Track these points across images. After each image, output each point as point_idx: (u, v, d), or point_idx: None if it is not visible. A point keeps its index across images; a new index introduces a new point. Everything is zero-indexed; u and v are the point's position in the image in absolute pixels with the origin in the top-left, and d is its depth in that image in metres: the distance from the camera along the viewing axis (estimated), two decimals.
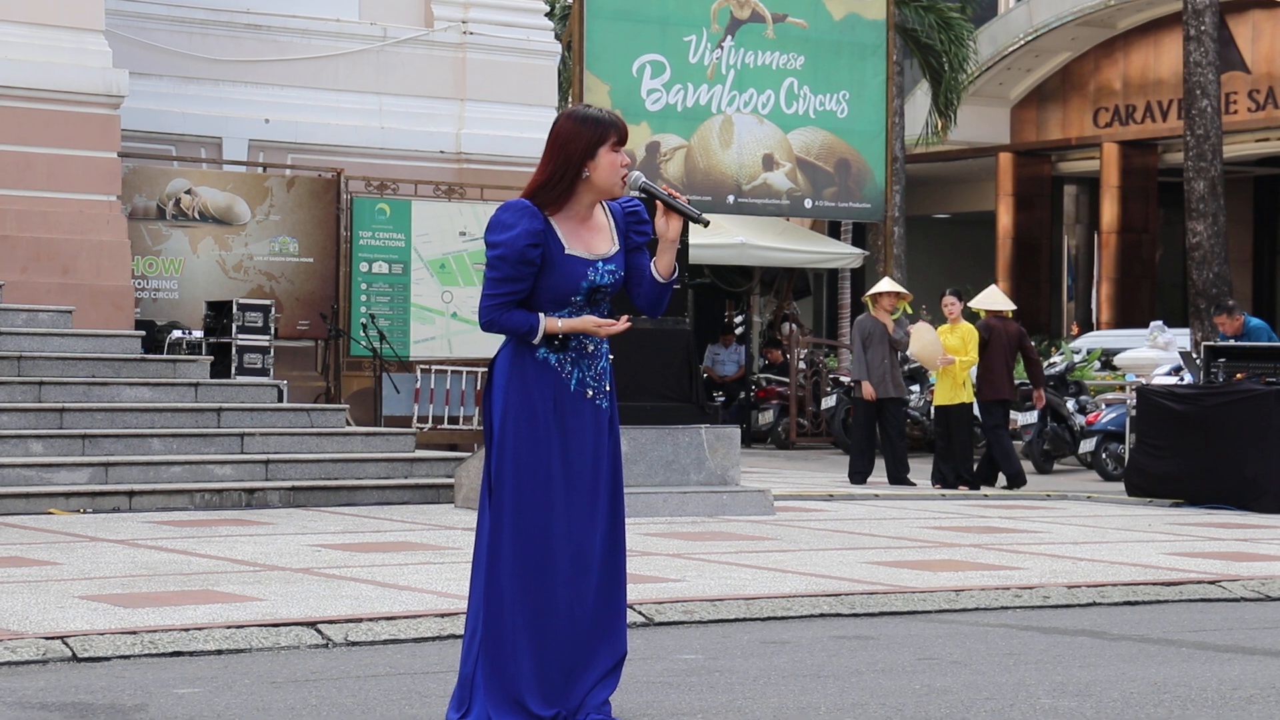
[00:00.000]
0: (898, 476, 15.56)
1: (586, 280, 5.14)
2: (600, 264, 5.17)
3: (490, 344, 5.06)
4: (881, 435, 15.76)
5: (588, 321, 5.13)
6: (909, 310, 17.75)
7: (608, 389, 5.25)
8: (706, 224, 5.25)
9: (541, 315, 5.12)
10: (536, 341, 5.13)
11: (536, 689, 5.08)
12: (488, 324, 5.16)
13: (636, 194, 5.23)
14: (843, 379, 23.04)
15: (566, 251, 5.13)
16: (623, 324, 5.15)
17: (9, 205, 15.41)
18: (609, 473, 5.22)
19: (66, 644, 6.46)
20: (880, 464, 15.97)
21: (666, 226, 5.18)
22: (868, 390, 15.51)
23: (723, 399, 24.40)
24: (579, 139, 5.10)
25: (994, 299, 16.17)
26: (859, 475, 15.54)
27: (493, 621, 5.09)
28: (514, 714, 5.07)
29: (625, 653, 5.24)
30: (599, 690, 5.17)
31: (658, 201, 5.17)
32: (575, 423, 5.16)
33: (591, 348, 5.21)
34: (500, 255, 5.07)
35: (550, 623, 5.09)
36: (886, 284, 16.19)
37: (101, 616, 7.00)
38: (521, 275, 5.08)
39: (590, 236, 5.19)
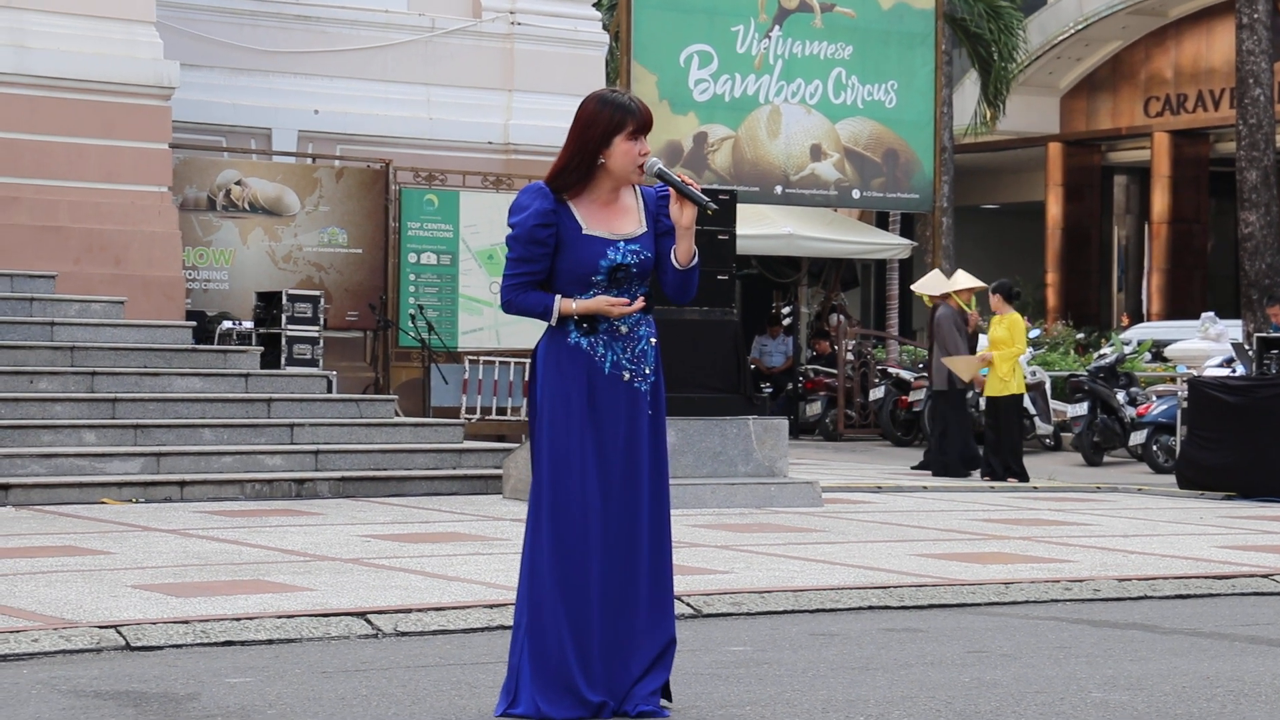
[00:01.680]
0: (963, 468, 15.61)
1: (606, 259, 5.16)
2: (623, 244, 5.18)
3: (539, 335, 5.07)
4: (953, 424, 15.77)
5: (600, 301, 5.16)
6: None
7: (648, 372, 5.23)
8: (714, 210, 5.29)
9: (557, 296, 5.15)
10: (553, 323, 5.17)
11: (581, 675, 5.07)
12: (506, 304, 5.24)
13: (654, 180, 5.24)
14: (890, 370, 22.98)
15: (584, 232, 5.15)
16: (637, 304, 5.17)
17: (62, 196, 15.53)
18: (649, 456, 5.19)
19: (120, 633, 6.51)
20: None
21: (680, 213, 5.20)
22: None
23: (770, 390, 24.35)
24: (596, 124, 5.13)
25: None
26: (969, 463, 15.57)
27: (535, 608, 5.10)
28: (562, 701, 5.06)
29: (673, 636, 5.22)
30: (649, 679, 5.16)
31: (671, 189, 5.20)
32: (609, 406, 5.16)
33: (625, 330, 5.21)
34: (514, 236, 5.16)
35: (587, 608, 5.09)
36: (968, 279, 16.25)
37: (154, 606, 7.06)
38: (533, 255, 5.13)
39: (614, 218, 5.21)
